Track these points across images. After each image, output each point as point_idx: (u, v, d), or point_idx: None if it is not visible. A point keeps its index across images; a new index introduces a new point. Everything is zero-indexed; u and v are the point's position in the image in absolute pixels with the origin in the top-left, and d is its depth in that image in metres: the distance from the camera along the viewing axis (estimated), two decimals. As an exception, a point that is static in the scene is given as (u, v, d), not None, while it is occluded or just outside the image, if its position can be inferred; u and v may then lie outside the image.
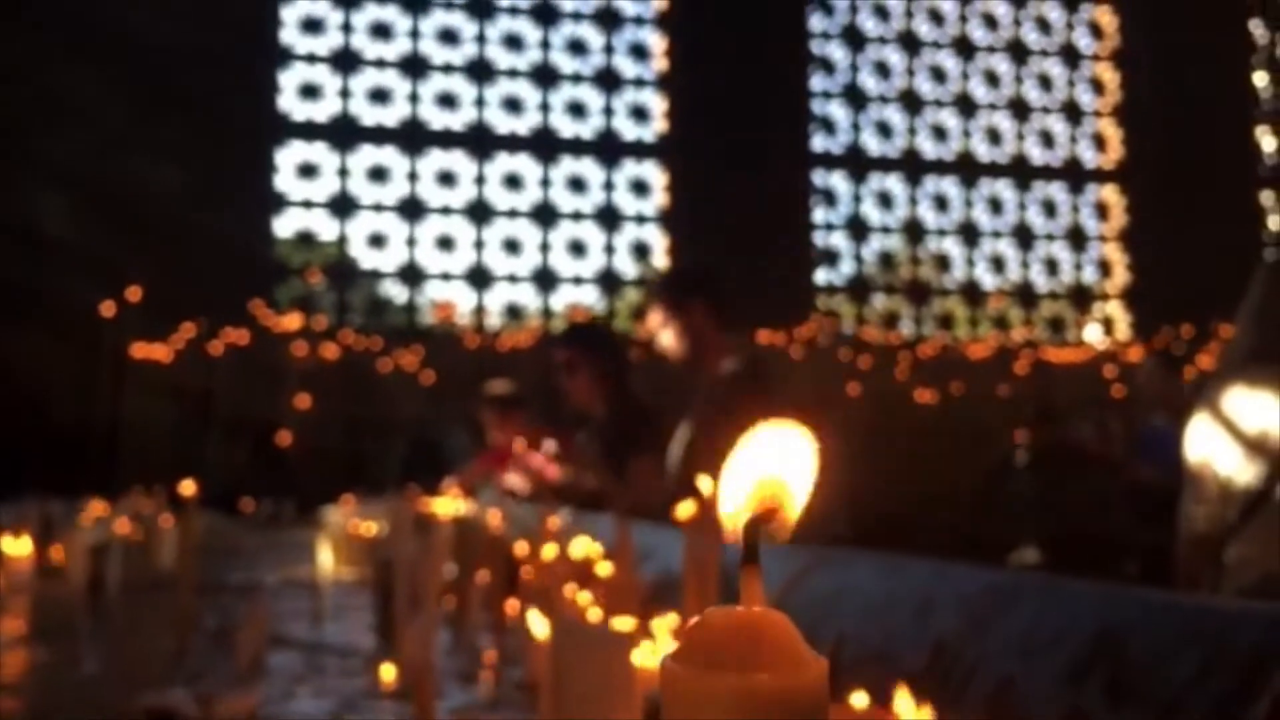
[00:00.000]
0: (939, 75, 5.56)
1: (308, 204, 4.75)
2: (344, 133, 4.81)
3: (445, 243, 4.91)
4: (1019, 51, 5.66)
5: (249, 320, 4.40)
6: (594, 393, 2.66)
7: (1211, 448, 1.47)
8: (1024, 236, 5.56)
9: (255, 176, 4.61)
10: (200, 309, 4.28)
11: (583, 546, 1.15)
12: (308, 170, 4.75)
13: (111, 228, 4.24)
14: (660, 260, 5.16)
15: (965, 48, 5.60)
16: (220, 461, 4.12)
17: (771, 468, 0.24)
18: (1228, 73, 5.73)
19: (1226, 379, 1.52)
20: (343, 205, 4.79)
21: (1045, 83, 5.67)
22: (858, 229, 5.38)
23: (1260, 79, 5.90)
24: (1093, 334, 5.58)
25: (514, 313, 4.98)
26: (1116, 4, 5.73)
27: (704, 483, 0.81)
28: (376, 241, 4.84)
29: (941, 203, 5.51)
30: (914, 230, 5.47)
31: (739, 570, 0.24)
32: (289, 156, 4.71)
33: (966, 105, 5.58)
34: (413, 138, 4.89)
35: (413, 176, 4.88)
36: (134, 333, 4.09)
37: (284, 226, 4.75)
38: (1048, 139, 5.65)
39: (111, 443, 3.98)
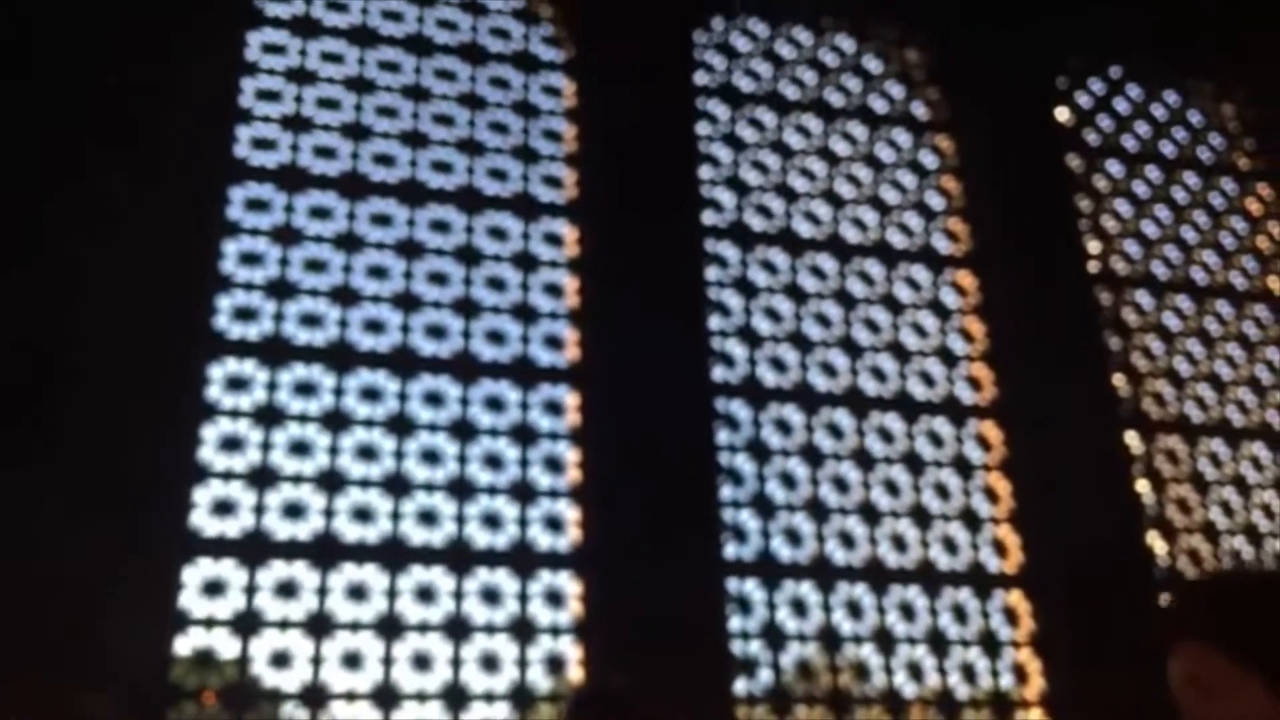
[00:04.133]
0: (842, 485, 5.79)
1: (209, 622, 4.60)
2: (255, 548, 4.77)
3: (352, 660, 4.74)
4: (915, 462, 5.96)
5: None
6: None
7: None
8: (939, 643, 5.58)
9: (156, 596, 4.48)
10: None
11: None
12: (213, 587, 4.65)
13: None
14: (574, 674, 5.04)
15: (864, 459, 5.88)
16: None
17: None
18: (1111, 481, 6.08)
19: None
20: (247, 623, 4.65)
21: (943, 492, 5.93)
22: (774, 637, 5.36)
23: (1143, 486, 6.25)
24: (1017, 744, 5.47)
25: (421, 734, 4.74)
26: (999, 420, 6.14)
27: None
28: (279, 660, 4.65)
29: (855, 609, 5.55)
30: (830, 638, 5.46)
31: None
32: (194, 574, 4.63)
33: (870, 513, 5.77)
34: (325, 553, 4.86)
35: (322, 592, 4.80)
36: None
37: (182, 646, 4.57)
38: (950, 546, 5.82)
39: None
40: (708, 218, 6.11)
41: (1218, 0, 7.20)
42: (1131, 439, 6.35)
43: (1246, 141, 7.46)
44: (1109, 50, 7.28)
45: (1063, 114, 7.08)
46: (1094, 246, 6.80)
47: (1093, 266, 6.72)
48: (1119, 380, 6.46)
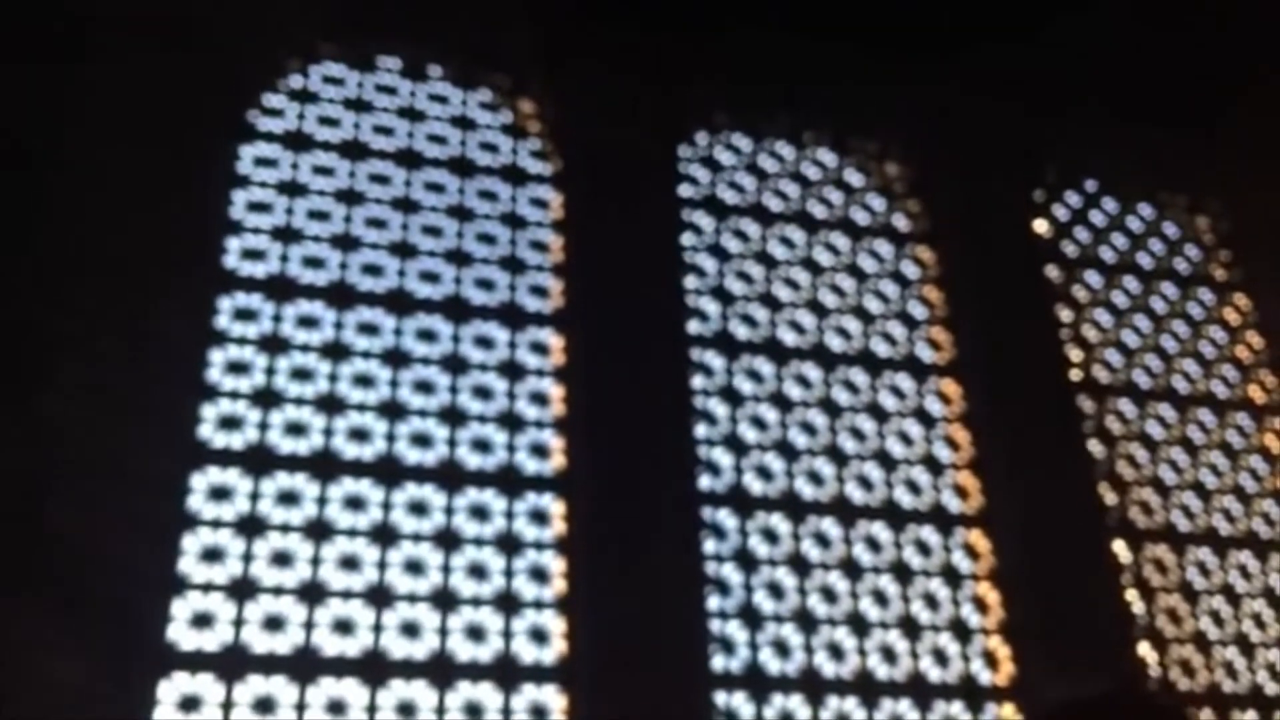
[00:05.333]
0: (830, 595, 5.73)
1: (185, 741, 4.49)
2: (233, 663, 4.67)
3: (330, 779, 4.62)
4: (903, 572, 5.91)
5: None
6: None
7: None
8: (930, 758, 5.46)
9: (130, 710, 4.37)
10: None
11: None
12: (189, 703, 4.53)
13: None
14: (559, 792, 4.91)
15: (852, 568, 5.83)
16: None
17: None
18: (1100, 590, 6.03)
19: None
20: (223, 741, 4.54)
21: (932, 602, 5.87)
22: (763, 753, 5.24)
23: (1132, 595, 6.20)
24: None
25: None
26: (987, 528, 6.12)
27: None
28: (255, 780, 4.53)
29: (845, 724, 5.44)
30: (820, 754, 5.34)
31: None
32: (170, 689, 4.52)
33: (859, 624, 5.70)
34: (304, 667, 4.75)
35: (301, 708, 4.68)
36: None
37: (156, 765, 4.45)
38: (941, 657, 5.74)
39: None
40: (693, 327, 6.16)
41: (1188, 116, 7.40)
42: (1119, 548, 6.32)
43: (1222, 253, 7.60)
44: (1084, 164, 7.46)
45: (1041, 226, 7.22)
46: (1075, 355, 6.87)
47: (1075, 375, 6.77)
48: (1105, 488, 6.45)
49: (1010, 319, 6.64)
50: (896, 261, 6.85)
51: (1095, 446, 6.58)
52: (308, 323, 5.54)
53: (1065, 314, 6.97)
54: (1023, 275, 6.90)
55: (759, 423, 6.06)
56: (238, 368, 5.31)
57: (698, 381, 6.02)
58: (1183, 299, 7.39)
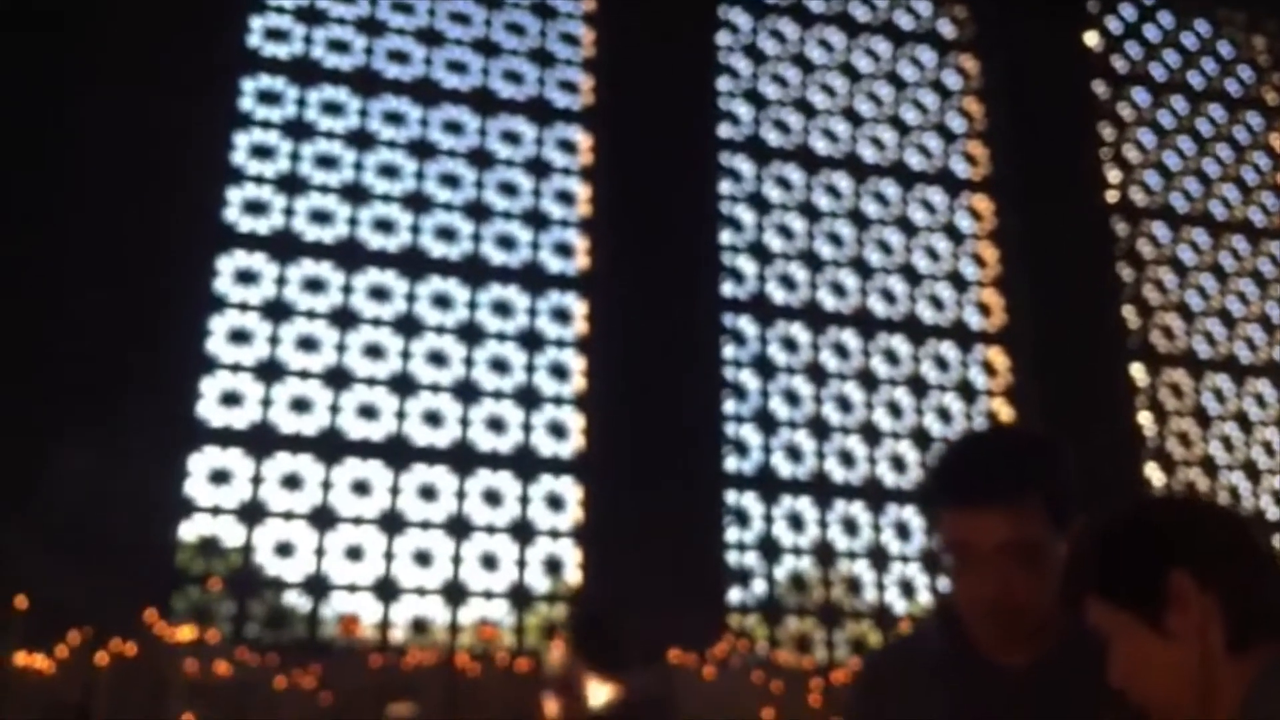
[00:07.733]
0: (845, 404, 5.81)
1: (215, 510, 4.68)
2: (261, 440, 4.82)
3: (354, 553, 4.83)
4: (919, 386, 5.97)
5: (140, 630, 4.21)
6: None
7: None
8: (931, 563, 5.65)
9: (163, 482, 4.55)
10: (91, 615, 4.09)
11: None
12: (219, 476, 4.72)
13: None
14: (573, 576, 5.13)
15: (869, 380, 5.89)
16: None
17: None
18: (1114, 411, 6.09)
19: None
20: (252, 512, 4.73)
21: (945, 415, 5.96)
22: (769, 550, 5.43)
23: (1145, 418, 6.27)
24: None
25: (420, 627, 4.85)
26: (1006, 346, 6.14)
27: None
28: (283, 550, 4.74)
29: (851, 526, 5.61)
30: (824, 553, 5.53)
31: None
32: (201, 462, 4.70)
33: (871, 433, 5.80)
34: (330, 447, 4.91)
35: (326, 485, 4.86)
36: (17, 642, 3.88)
37: (188, 532, 4.66)
38: (950, 468, 5.85)
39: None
40: (724, 130, 6.04)
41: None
42: (1137, 371, 6.34)
43: (1275, 75, 7.32)
44: (1143, -26, 7.11)
45: (1092, 38, 6.94)
46: (1114, 176, 6.72)
47: (1111, 196, 6.65)
48: (1129, 312, 6.43)
49: (1051, 136, 6.47)
50: (938, 70, 6.63)
51: (1124, 269, 6.51)
52: (332, 109, 5.45)
53: (1108, 132, 6.79)
54: (1068, 90, 6.68)
55: (785, 231, 6.02)
56: (262, 152, 5.27)
57: (725, 187, 5.95)
58: (1230, 122, 7.16)
